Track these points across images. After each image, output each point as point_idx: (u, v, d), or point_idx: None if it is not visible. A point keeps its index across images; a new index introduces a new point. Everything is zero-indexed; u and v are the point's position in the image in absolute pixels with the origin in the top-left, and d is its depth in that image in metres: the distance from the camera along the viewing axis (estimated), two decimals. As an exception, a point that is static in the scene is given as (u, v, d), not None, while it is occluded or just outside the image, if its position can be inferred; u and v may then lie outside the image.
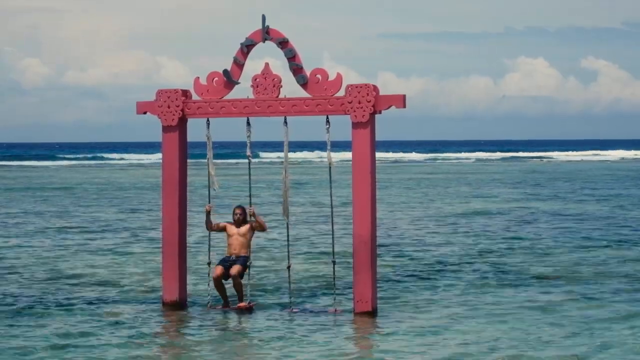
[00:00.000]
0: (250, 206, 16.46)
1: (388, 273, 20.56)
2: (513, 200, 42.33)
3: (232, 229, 16.38)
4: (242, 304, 16.36)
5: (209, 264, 16.62)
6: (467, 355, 13.22)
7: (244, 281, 16.34)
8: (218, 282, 16.29)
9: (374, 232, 15.74)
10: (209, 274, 16.68)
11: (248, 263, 16.31)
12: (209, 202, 16.54)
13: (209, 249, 16.70)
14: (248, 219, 16.37)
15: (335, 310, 16.03)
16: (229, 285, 16.41)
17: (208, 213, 16.40)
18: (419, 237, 27.66)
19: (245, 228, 16.35)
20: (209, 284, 16.67)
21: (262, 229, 16.48)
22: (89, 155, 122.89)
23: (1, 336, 14.42)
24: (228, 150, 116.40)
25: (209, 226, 16.44)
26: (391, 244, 25.99)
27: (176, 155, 16.52)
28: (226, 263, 16.30)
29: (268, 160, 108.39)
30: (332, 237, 16.90)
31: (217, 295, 16.59)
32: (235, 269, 16.15)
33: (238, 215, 16.36)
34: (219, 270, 16.24)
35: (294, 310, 16.25)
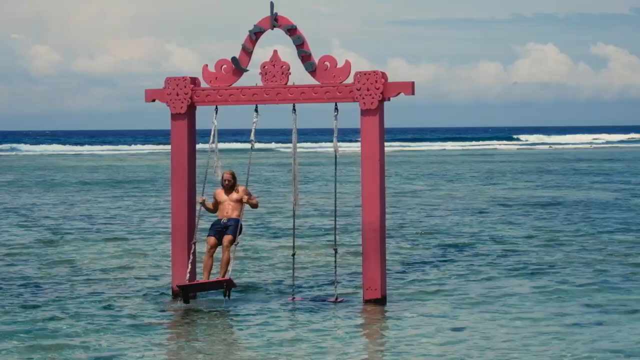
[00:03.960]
0: (253, 200, 16.29)
1: (398, 260, 20.55)
2: (533, 188, 42.27)
3: (222, 196, 16.19)
4: (220, 278, 15.83)
5: (194, 243, 16.31)
6: (477, 343, 13.22)
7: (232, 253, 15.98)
8: (210, 255, 15.98)
9: (383, 219, 15.73)
10: (191, 254, 16.19)
11: (239, 234, 16.00)
12: (202, 194, 16.35)
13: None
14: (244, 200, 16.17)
15: (336, 300, 16.02)
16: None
17: (203, 204, 16.28)
18: (430, 224, 27.64)
19: (236, 195, 16.14)
20: (189, 258, 16.12)
21: (254, 207, 16.37)
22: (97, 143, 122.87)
23: (7, 329, 14.41)
24: (238, 137, 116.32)
25: (211, 209, 16.36)
26: (401, 230, 25.97)
27: (185, 142, 16.52)
28: (218, 227, 16.06)
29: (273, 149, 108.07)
30: (335, 225, 16.85)
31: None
32: (227, 240, 15.89)
33: (227, 181, 16.13)
34: (212, 241, 16.01)
35: (296, 298, 16.23)
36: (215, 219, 16.27)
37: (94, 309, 15.60)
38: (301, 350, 12.94)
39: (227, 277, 15.79)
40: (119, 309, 15.61)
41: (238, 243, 16.15)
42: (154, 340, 13.55)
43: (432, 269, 19.54)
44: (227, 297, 15.77)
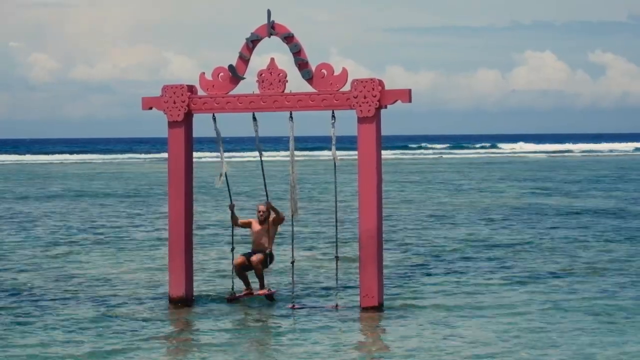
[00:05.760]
0: (267, 201, 16.72)
1: (394, 268, 20.54)
2: (524, 196, 42.26)
3: (255, 226, 16.72)
4: (262, 291, 16.70)
5: (232, 249, 16.95)
6: (474, 349, 13.21)
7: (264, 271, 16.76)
8: (239, 270, 16.67)
9: (380, 227, 15.73)
10: (232, 260, 16.83)
11: (268, 252, 16.59)
12: (230, 201, 16.81)
13: (232, 235, 17.13)
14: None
15: (336, 306, 16.01)
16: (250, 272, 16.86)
17: (232, 210, 16.76)
18: (425, 232, 27.63)
19: (268, 224, 16.64)
20: (232, 271, 16.85)
21: (280, 219, 16.70)
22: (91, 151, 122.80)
23: (5, 335, 14.41)
24: (231, 145, 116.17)
25: (235, 222, 16.87)
26: (397, 238, 25.96)
27: (182, 150, 16.53)
28: (250, 253, 16.72)
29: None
30: (336, 233, 16.86)
31: (237, 287, 16.87)
32: (256, 257, 16.52)
33: (262, 213, 16.64)
34: (240, 259, 16.64)
35: (295, 306, 16.23)
36: (250, 250, 16.87)
37: (91, 317, 15.59)
38: (300, 357, 12.92)
39: (269, 290, 16.82)
40: (115, 318, 15.59)
41: (268, 260, 16.72)
42: (151, 350, 13.52)
43: (430, 276, 19.53)
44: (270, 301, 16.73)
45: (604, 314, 15.47)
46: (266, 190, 17.09)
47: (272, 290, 16.96)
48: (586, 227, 28.22)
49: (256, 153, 17.28)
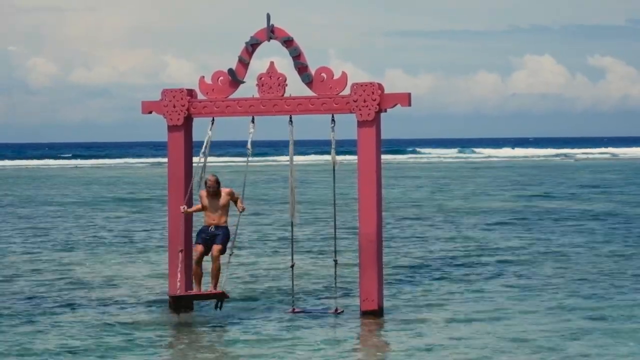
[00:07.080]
0: (242, 204, 15.94)
1: (395, 271, 20.54)
2: (526, 200, 42.26)
3: (206, 201, 15.73)
4: (213, 290, 15.61)
5: (180, 251, 16.04)
6: (474, 354, 13.20)
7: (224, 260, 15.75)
8: (198, 264, 15.68)
9: (379, 231, 15.73)
10: (180, 263, 15.96)
11: (229, 239, 15.67)
12: (183, 203, 15.97)
13: (183, 237, 16.21)
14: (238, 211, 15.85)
15: (336, 311, 16.00)
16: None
17: (186, 213, 15.95)
18: (427, 235, 27.62)
19: (222, 200, 15.72)
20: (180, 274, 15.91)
21: (240, 208, 15.82)
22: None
23: (8, 340, 14.40)
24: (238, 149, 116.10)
25: (195, 211, 16.00)
26: (398, 242, 25.96)
27: (182, 154, 16.53)
28: (206, 236, 15.68)
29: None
30: (335, 237, 16.85)
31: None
32: (216, 250, 15.58)
33: (211, 187, 15.64)
34: (199, 249, 15.66)
35: (295, 310, 16.22)
36: (202, 225, 15.91)
37: (91, 321, 15.59)
38: (298, 361, 12.94)
39: (219, 289, 15.61)
40: (114, 322, 15.59)
41: (232, 254, 15.92)
42: (151, 354, 13.52)
43: (431, 280, 19.52)
44: (219, 309, 15.75)
45: (609, 323, 15.41)
46: (243, 192, 16.60)
47: (227, 292, 15.72)
48: (590, 231, 28.21)
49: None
